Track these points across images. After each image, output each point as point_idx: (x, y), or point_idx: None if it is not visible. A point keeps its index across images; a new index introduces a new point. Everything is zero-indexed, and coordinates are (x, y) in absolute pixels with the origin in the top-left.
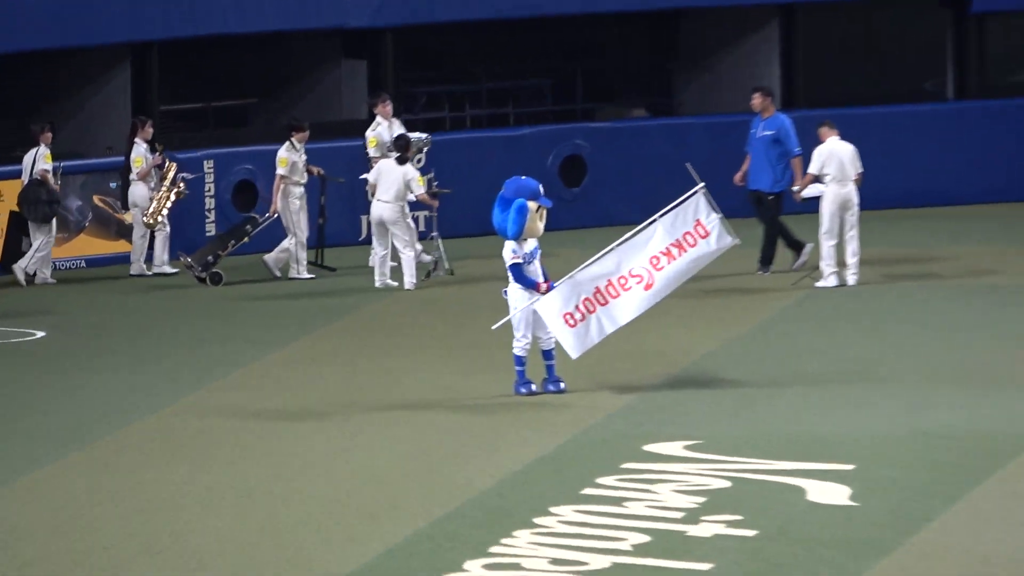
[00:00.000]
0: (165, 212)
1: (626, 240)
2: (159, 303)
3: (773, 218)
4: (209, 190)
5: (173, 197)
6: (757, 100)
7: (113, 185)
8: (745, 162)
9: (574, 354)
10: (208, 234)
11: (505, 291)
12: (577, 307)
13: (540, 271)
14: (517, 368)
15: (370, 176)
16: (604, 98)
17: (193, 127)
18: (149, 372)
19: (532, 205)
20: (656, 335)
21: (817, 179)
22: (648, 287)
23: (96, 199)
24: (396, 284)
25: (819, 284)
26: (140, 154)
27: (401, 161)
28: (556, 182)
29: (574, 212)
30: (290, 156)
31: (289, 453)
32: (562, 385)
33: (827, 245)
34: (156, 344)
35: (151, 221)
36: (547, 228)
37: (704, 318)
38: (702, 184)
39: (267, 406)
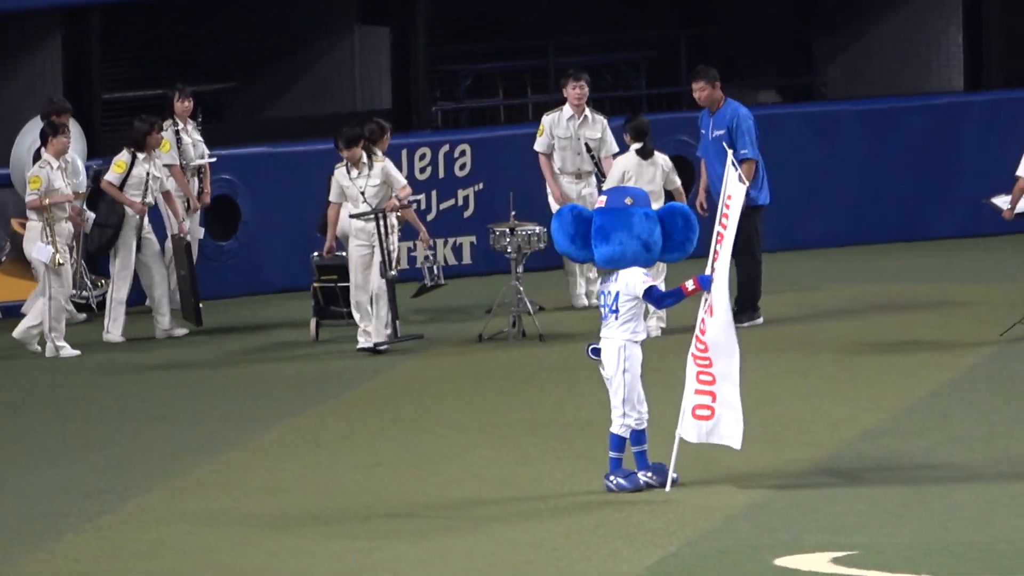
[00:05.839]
0: None
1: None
2: (101, 369)
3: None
4: None
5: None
6: (703, 91)
7: None
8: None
9: (738, 444)
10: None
11: (592, 348)
12: (697, 391)
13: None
14: (612, 455)
15: (611, 180)
16: (719, 77)
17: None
18: (84, 465)
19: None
20: (793, 405)
21: None
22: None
23: (15, 223)
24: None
25: None
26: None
27: (646, 153)
28: None
29: None
30: None
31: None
32: (675, 476)
33: None
34: (95, 427)
35: None
36: None
37: (861, 382)
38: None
39: (250, 510)
